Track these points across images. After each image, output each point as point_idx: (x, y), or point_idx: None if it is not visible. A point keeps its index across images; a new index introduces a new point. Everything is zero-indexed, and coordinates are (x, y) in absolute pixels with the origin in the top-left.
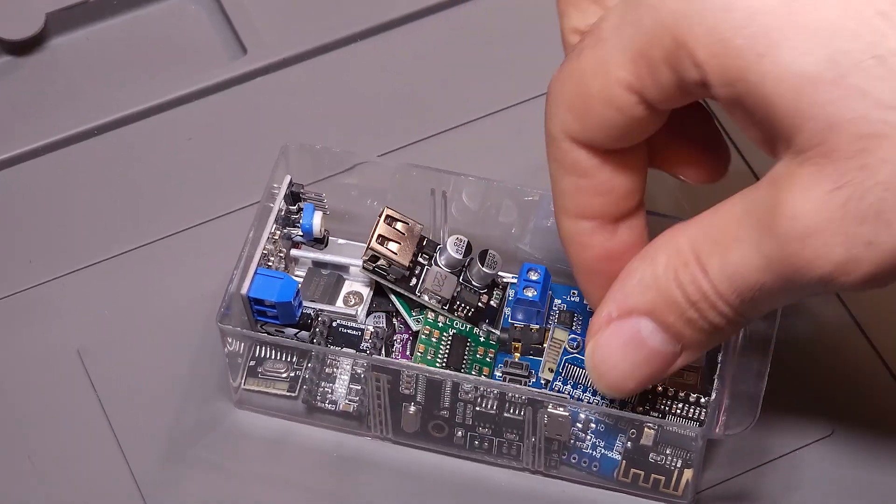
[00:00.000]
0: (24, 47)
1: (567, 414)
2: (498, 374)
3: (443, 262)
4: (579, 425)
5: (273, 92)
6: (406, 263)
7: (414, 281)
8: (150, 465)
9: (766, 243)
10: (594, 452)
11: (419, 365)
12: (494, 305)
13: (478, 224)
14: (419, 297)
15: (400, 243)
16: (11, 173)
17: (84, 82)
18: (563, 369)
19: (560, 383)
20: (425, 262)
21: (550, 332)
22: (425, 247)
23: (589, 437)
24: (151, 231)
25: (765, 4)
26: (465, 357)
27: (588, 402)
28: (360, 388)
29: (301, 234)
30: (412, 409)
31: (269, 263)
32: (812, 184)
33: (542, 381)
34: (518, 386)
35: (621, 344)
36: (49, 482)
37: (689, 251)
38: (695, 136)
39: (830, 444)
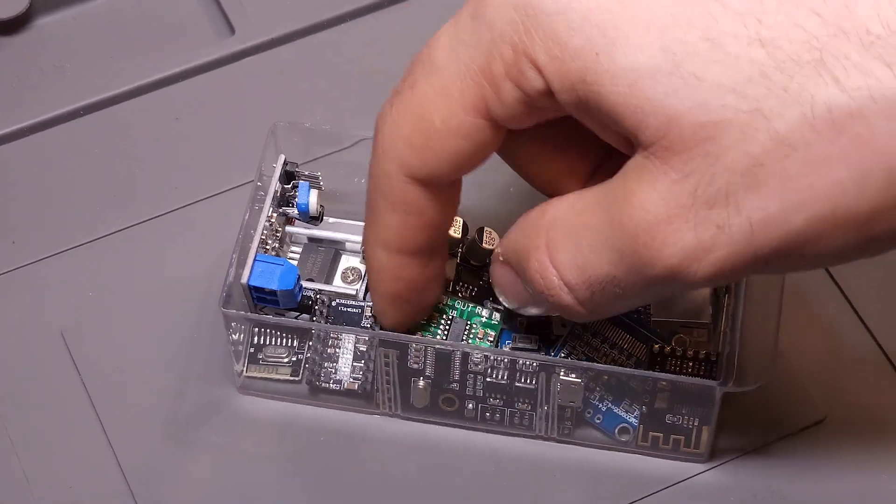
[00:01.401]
0: (9, 26)
1: (580, 380)
2: (506, 350)
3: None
4: (581, 370)
5: (261, 72)
6: None
7: None
8: (138, 448)
9: (615, 236)
10: (601, 405)
11: (427, 338)
12: None
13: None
14: None
15: None
16: None
17: (70, 62)
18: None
19: (580, 328)
20: None
21: None
22: None
23: (598, 390)
24: (138, 212)
25: (600, 3)
26: (465, 339)
27: (605, 356)
28: (363, 365)
29: (297, 212)
30: (421, 383)
31: (267, 246)
32: (659, 175)
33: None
34: (529, 353)
35: (507, 281)
36: (31, 464)
37: (543, 235)
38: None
39: (823, 430)
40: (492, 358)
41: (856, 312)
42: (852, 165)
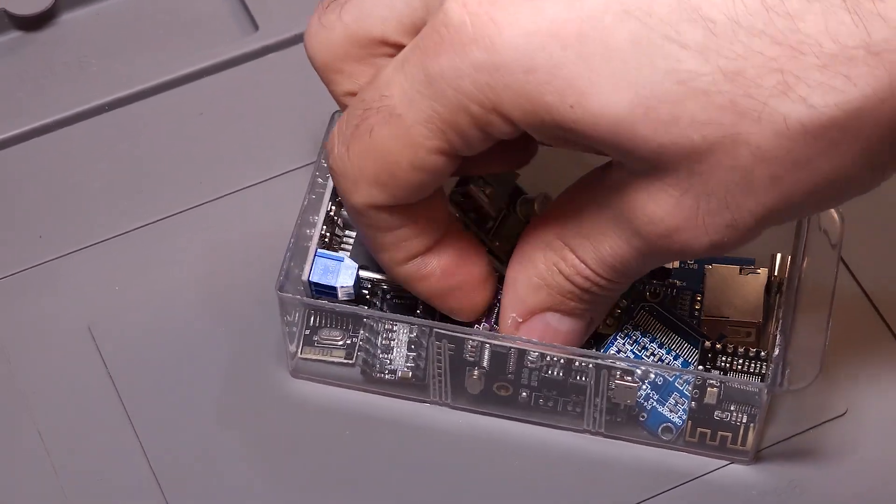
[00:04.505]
0: (34, 22)
1: (635, 384)
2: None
3: (522, 215)
4: (639, 372)
5: (285, 68)
6: (493, 214)
7: (490, 223)
8: (165, 440)
9: (635, 240)
10: (646, 403)
11: (483, 333)
12: None
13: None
14: (492, 242)
15: (494, 188)
16: (22, 149)
17: (95, 58)
18: (636, 315)
19: (630, 326)
20: (504, 209)
21: None
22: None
23: (644, 388)
24: (162, 208)
25: (561, 58)
26: None
27: (653, 355)
28: (416, 354)
29: None
30: (476, 373)
31: (323, 230)
32: (658, 192)
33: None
34: (585, 351)
35: (537, 338)
36: (60, 458)
37: (561, 246)
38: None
39: (844, 423)
40: (547, 357)
41: (874, 307)
42: (833, 160)
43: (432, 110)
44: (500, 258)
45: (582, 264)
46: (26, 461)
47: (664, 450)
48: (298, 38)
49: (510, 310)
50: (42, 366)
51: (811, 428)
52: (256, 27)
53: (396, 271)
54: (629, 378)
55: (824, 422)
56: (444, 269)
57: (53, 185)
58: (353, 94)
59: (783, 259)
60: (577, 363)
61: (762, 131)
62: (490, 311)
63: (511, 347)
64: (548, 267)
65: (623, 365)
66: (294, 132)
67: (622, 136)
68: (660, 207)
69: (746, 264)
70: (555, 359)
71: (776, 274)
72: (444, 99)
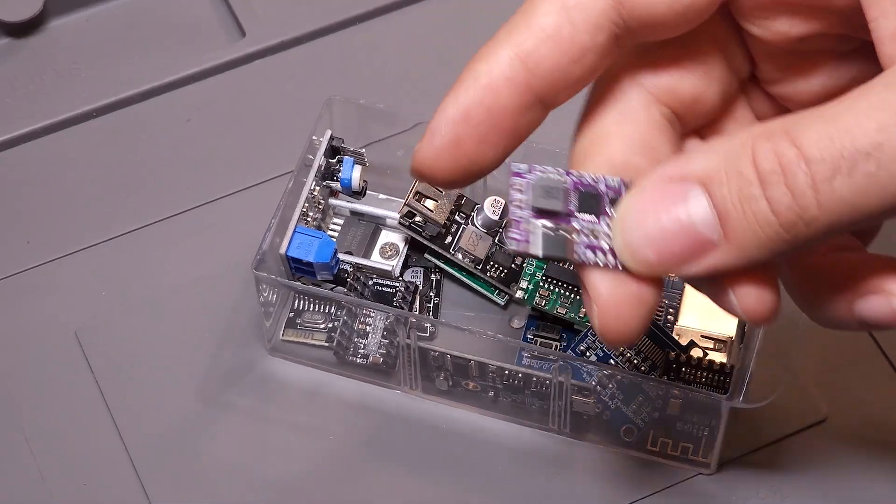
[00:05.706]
0: (23, 29)
1: (591, 400)
2: (529, 336)
3: (479, 223)
4: (595, 386)
5: (272, 74)
6: (441, 221)
7: (449, 239)
8: (150, 445)
9: None
10: (610, 402)
11: (442, 348)
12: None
13: None
14: (453, 255)
15: (437, 201)
16: (11, 155)
17: (83, 64)
18: None
19: None
20: (462, 221)
21: None
22: (463, 206)
23: (611, 386)
24: (150, 213)
25: None
26: None
27: (622, 355)
28: (389, 341)
29: (340, 187)
30: (441, 376)
31: (308, 218)
32: None
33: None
34: (542, 373)
35: (662, 201)
36: (46, 462)
37: (779, 126)
38: None
39: (825, 430)
40: (506, 372)
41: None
42: None
43: None
44: (464, 269)
45: (791, 144)
46: (13, 465)
47: (628, 455)
48: (285, 45)
49: (672, 164)
50: (29, 371)
51: (792, 434)
52: (243, 33)
53: (495, 55)
54: (587, 395)
55: (805, 428)
56: (501, 108)
57: (41, 190)
58: None
59: None
60: (535, 379)
61: None
62: None
63: (470, 360)
64: (744, 141)
65: (584, 363)
66: (281, 138)
67: None
68: None
69: None
70: (514, 372)
71: None
72: None
